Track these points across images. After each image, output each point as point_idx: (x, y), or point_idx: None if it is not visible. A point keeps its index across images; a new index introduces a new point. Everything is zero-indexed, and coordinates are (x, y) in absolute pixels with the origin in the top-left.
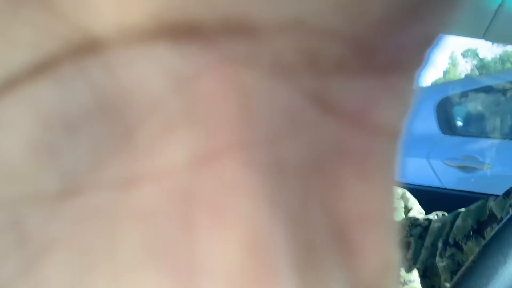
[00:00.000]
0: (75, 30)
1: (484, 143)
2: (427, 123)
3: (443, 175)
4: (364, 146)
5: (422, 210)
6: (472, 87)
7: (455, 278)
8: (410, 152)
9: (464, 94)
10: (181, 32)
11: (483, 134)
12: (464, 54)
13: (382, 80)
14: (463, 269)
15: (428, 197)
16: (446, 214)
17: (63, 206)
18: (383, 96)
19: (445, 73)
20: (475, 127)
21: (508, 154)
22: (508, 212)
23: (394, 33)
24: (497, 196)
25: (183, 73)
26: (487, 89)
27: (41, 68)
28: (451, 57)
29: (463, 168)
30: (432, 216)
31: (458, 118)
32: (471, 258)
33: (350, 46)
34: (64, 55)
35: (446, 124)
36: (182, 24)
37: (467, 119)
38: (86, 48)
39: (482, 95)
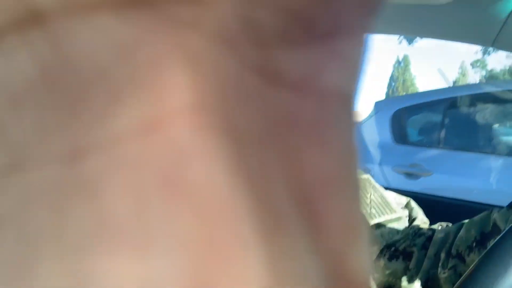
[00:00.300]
0: (17, 1)
1: (431, 152)
2: (382, 133)
3: (391, 180)
4: (314, 112)
5: (427, 220)
6: (430, 99)
7: (455, 286)
8: (364, 159)
9: (418, 106)
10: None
11: (431, 144)
12: (473, 65)
13: (326, 45)
14: (463, 277)
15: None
16: (450, 224)
17: (8, 181)
18: (328, 61)
19: (454, 82)
20: (426, 137)
21: (453, 162)
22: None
23: (332, 1)
24: (501, 207)
25: (128, 40)
26: (443, 102)
27: None
28: (461, 67)
29: (408, 175)
30: (436, 226)
31: (411, 129)
32: (471, 267)
33: (292, 16)
34: (7, 27)
35: (399, 134)
36: None
37: (419, 130)
38: (29, 20)
39: (436, 108)
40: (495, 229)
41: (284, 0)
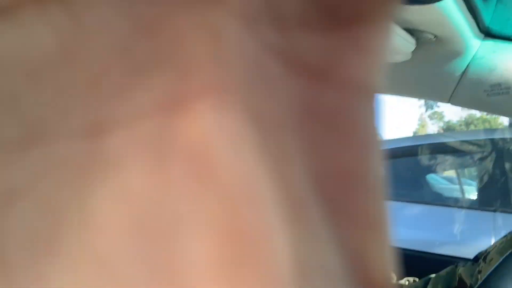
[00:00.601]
0: None
1: None
2: None
3: None
4: (333, 103)
5: (393, 275)
6: None
7: None
8: None
9: None
10: None
11: None
12: (431, 116)
13: (347, 32)
14: None
15: None
16: (417, 279)
17: (26, 155)
18: (349, 50)
19: (414, 133)
20: None
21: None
22: (477, 279)
23: None
24: (466, 261)
25: (150, 15)
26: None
27: (2, 12)
28: (420, 118)
29: None
30: (404, 281)
31: None
32: None
33: (312, 1)
34: None
35: None
36: None
37: None
38: None
39: None
40: (461, 283)
41: None
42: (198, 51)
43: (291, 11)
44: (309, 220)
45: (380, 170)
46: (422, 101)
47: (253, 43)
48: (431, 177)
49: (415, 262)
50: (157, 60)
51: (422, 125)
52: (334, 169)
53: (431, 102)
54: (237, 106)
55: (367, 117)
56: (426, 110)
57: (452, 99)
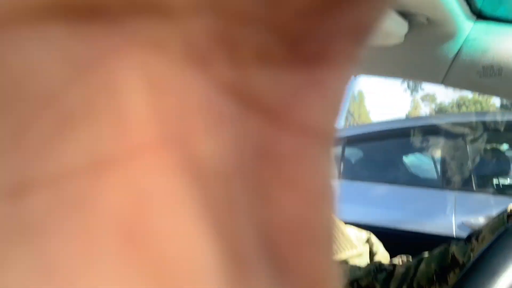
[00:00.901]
0: None
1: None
2: None
3: None
4: (290, 147)
5: (387, 254)
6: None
7: None
8: None
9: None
10: (81, 11)
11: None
12: (424, 98)
13: (310, 72)
14: None
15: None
16: (410, 258)
17: None
18: (311, 91)
19: (407, 115)
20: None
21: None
22: (469, 257)
23: (322, 21)
24: (459, 240)
25: (84, 59)
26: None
27: None
28: (413, 100)
29: None
30: (397, 260)
31: None
32: None
33: (274, 33)
34: None
35: None
36: (81, 2)
37: None
38: None
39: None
40: (454, 262)
41: (268, 15)
42: (134, 102)
43: (249, 44)
44: (254, 279)
45: (332, 222)
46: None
47: (203, 82)
48: (412, 158)
49: (399, 240)
50: (89, 110)
51: (415, 107)
52: (284, 221)
53: (416, 85)
54: (178, 164)
55: (323, 166)
56: (411, 94)
57: (445, 81)
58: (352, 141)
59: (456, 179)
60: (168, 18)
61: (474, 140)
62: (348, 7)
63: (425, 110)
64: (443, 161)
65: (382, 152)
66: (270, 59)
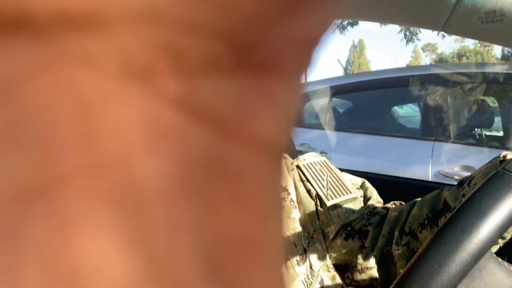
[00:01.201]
0: None
1: (317, 133)
2: None
3: None
4: (239, 161)
5: (381, 199)
6: (327, 85)
7: (409, 263)
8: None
9: (311, 93)
10: (6, 24)
11: (319, 125)
12: (424, 48)
13: (259, 83)
14: (417, 255)
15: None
16: (403, 203)
17: None
18: (261, 102)
19: (407, 65)
20: (316, 119)
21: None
22: (461, 202)
23: (272, 29)
24: (451, 186)
25: (9, 76)
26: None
27: None
28: (414, 50)
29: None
30: (390, 205)
31: (307, 113)
32: (424, 244)
33: (221, 42)
34: None
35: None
36: (6, 14)
37: (312, 114)
38: None
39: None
40: (446, 206)
41: (214, 22)
42: (65, 124)
43: (195, 53)
44: None
45: (281, 237)
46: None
47: (143, 95)
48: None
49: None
50: (14, 134)
51: (416, 57)
52: (233, 237)
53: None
54: (107, 189)
55: (274, 179)
56: (406, 44)
57: (446, 28)
58: (341, 91)
59: (436, 129)
60: (103, 32)
61: (466, 92)
62: (296, 18)
63: (425, 60)
64: (425, 112)
65: (372, 102)
66: (217, 69)
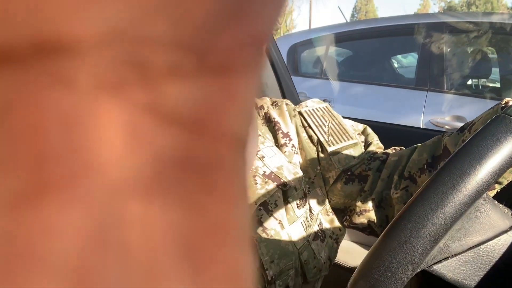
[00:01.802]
0: None
1: (313, 82)
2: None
3: None
4: (208, 155)
5: (381, 145)
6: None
7: (407, 204)
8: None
9: (309, 41)
10: None
11: (316, 74)
12: None
13: (220, 83)
14: (414, 196)
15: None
16: (403, 148)
17: None
18: (223, 100)
19: (415, 13)
20: (313, 68)
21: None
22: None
23: (222, 35)
24: (452, 132)
25: (1, 101)
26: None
27: None
28: None
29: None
30: (390, 150)
31: (304, 62)
32: (422, 185)
33: (180, 51)
34: None
35: (292, 66)
36: None
37: (309, 63)
38: None
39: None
40: (446, 152)
41: (170, 33)
42: (48, 141)
43: (158, 64)
44: (168, 283)
45: (248, 223)
46: None
47: (117, 106)
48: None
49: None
50: (7, 150)
51: (424, 5)
52: (206, 223)
53: None
54: (88, 194)
55: (239, 169)
56: None
57: None
58: (340, 39)
59: (430, 79)
60: (76, 55)
61: (464, 42)
62: (243, 22)
63: (434, 8)
64: (420, 61)
65: (371, 51)
66: (181, 74)
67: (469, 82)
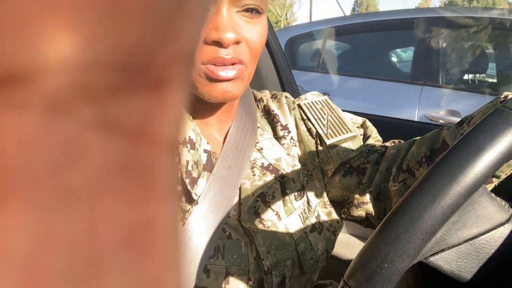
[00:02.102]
0: None
1: (310, 75)
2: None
3: None
4: (147, 160)
5: (380, 138)
6: (319, 27)
7: (404, 195)
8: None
9: (307, 35)
10: None
11: (315, 68)
12: None
13: (155, 96)
14: (411, 188)
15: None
16: (402, 141)
17: None
18: (159, 111)
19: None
20: (310, 62)
21: (342, 86)
22: None
23: (155, 53)
24: (451, 125)
25: None
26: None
27: None
28: None
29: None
30: (389, 143)
31: (302, 55)
32: (420, 177)
33: (118, 71)
34: None
35: (290, 60)
36: None
37: (307, 56)
38: None
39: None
40: (444, 145)
41: (108, 56)
42: (9, 158)
43: (101, 84)
44: (108, 272)
45: (178, 214)
46: None
47: (67, 125)
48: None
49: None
50: None
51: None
52: (144, 217)
53: None
54: (42, 200)
55: (171, 170)
56: None
57: None
58: (338, 33)
59: (426, 73)
60: (30, 83)
61: (462, 37)
62: (171, 42)
63: (435, 3)
64: (416, 55)
65: (369, 45)
66: (121, 92)
67: (466, 77)
